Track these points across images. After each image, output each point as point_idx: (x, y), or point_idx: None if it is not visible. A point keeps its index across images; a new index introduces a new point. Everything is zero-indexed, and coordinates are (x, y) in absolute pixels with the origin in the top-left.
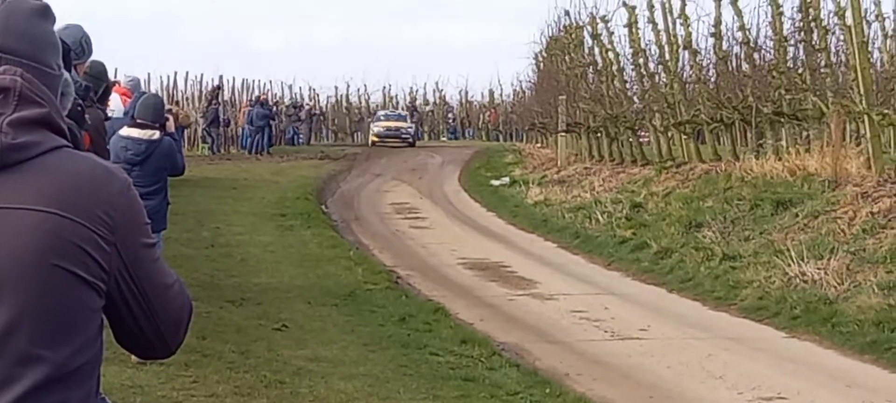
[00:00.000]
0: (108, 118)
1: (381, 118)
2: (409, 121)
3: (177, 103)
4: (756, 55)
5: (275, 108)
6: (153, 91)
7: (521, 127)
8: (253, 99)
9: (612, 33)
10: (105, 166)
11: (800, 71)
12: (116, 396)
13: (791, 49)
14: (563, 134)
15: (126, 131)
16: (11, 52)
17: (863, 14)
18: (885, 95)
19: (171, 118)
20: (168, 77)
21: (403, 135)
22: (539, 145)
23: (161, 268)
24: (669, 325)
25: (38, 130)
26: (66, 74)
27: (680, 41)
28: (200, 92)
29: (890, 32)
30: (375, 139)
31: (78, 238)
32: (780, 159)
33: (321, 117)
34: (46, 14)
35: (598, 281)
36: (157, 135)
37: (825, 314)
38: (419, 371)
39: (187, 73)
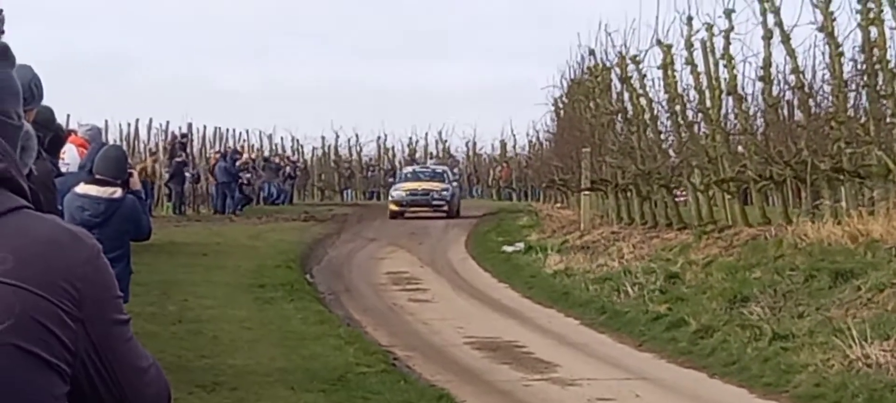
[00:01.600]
0: (59, 173)
1: (408, 177)
2: (445, 181)
3: (147, 155)
4: (811, 102)
5: (251, 162)
6: (112, 141)
7: (537, 184)
8: (225, 151)
9: (645, 76)
10: (70, 230)
11: (863, 121)
12: None
13: (852, 95)
14: (586, 192)
15: (83, 188)
16: None
17: None
18: None
19: (134, 173)
20: (128, 124)
21: (435, 201)
22: (559, 205)
23: (134, 349)
24: None
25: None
26: (28, 126)
27: (723, 85)
28: (166, 141)
29: None
30: (396, 208)
31: (39, 313)
32: (839, 223)
33: (303, 173)
34: (5, 55)
35: (627, 364)
36: (118, 192)
37: None
38: None
39: (150, 120)
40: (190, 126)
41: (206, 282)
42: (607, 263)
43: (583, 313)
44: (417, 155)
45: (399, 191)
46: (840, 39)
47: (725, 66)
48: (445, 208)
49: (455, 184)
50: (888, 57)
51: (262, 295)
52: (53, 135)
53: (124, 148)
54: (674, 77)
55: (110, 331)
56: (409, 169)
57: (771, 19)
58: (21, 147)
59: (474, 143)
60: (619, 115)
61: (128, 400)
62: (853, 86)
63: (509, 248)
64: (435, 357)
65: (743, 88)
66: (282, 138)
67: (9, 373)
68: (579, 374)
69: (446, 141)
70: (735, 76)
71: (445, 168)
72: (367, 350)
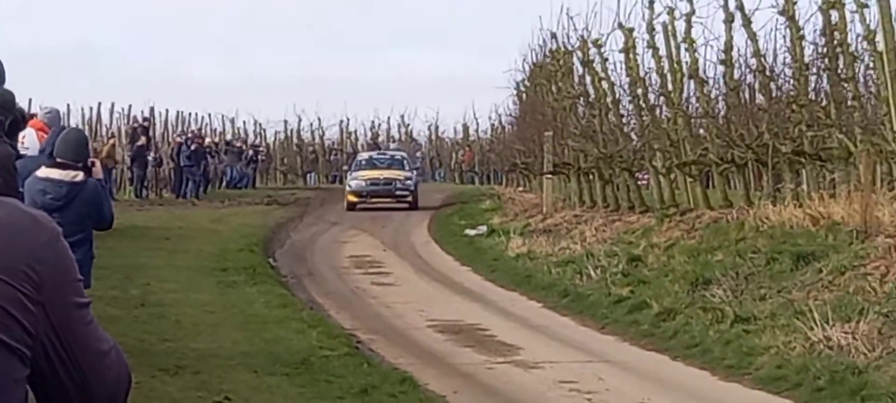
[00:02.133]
0: (19, 156)
1: (363, 164)
2: (407, 167)
3: (105, 139)
4: (772, 85)
5: (214, 146)
6: (75, 125)
7: (500, 168)
8: (188, 134)
9: (607, 60)
10: (30, 213)
11: (823, 104)
12: None
13: (813, 79)
14: (549, 176)
15: (44, 172)
16: None
17: None
18: None
19: (97, 163)
20: (90, 109)
21: (399, 191)
22: (521, 189)
23: (95, 333)
24: (673, 398)
25: None
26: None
27: (685, 69)
28: (128, 126)
29: None
30: (354, 198)
31: (2, 297)
32: (800, 206)
33: (266, 158)
34: None
35: (590, 346)
36: (80, 176)
37: (854, 385)
38: None
39: (112, 105)
40: (152, 110)
41: (169, 266)
42: (570, 246)
43: (545, 296)
44: (380, 139)
45: (357, 180)
46: (801, 23)
47: (687, 50)
48: (409, 198)
49: (416, 171)
50: (848, 40)
51: (224, 279)
52: (13, 119)
53: (86, 132)
54: (635, 60)
55: (70, 314)
56: (365, 155)
57: (732, 3)
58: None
59: (437, 127)
60: (581, 99)
61: (88, 383)
62: (814, 70)
63: (472, 232)
64: (398, 341)
65: (704, 72)
66: (244, 122)
67: None
68: (542, 357)
69: (408, 125)
70: (696, 59)
71: (405, 154)
72: (330, 333)
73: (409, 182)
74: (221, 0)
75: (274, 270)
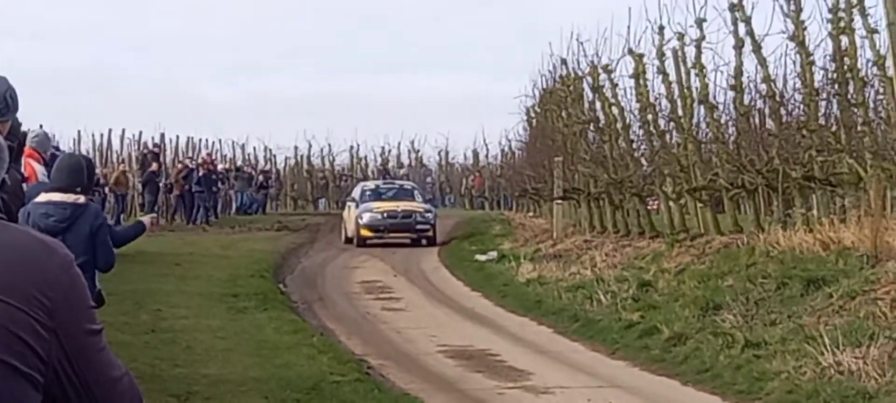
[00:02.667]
0: (24, 179)
1: (369, 195)
2: (418, 198)
3: (116, 166)
4: (783, 111)
5: (224, 172)
6: (84, 151)
7: (510, 193)
8: (199, 160)
9: (617, 85)
10: (42, 239)
11: (833, 129)
12: None
13: (823, 104)
14: (559, 201)
15: (45, 197)
16: None
17: None
18: None
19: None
20: (101, 135)
21: (419, 225)
22: (531, 214)
23: (108, 359)
24: None
25: None
26: (0, 139)
27: (695, 94)
28: (139, 152)
29: None
30: (368, 233)
31: (11, 323)
32: (810, 231)
33: (276, 183)
34: None
35: (600, 371)
36: (82, 198)
37: None
38: None
39: (123, 131)
40: (162, 136)
41: (180, 292)
42: (580, 271)
43: (556, 321)
44: (390, 164)
45: (372, 212)
46: (811, 48)
47: (697, 75)
48: (430, 232)
49: (430, 201)
50: (858, 65)
51: (235, 305)
52: (19, 144)
53: (94, 158)
54: (646, 86)
55: (83, 341)
56: (371, 184)
57: (742, 28)
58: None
59: (447, 152)
60: (591, 124)
61: None
62: (824, 95)
63: (482, 257)
64: (408, 366)
65: (714, 97)
66: (255, 148)
67: None
68: (553, 382)
69: (418, 150)
70: (707, 85)
71: (414, 184)
72: (341, 359)
73: (429, 214)
74: (233, 24)
75: (284, 296)
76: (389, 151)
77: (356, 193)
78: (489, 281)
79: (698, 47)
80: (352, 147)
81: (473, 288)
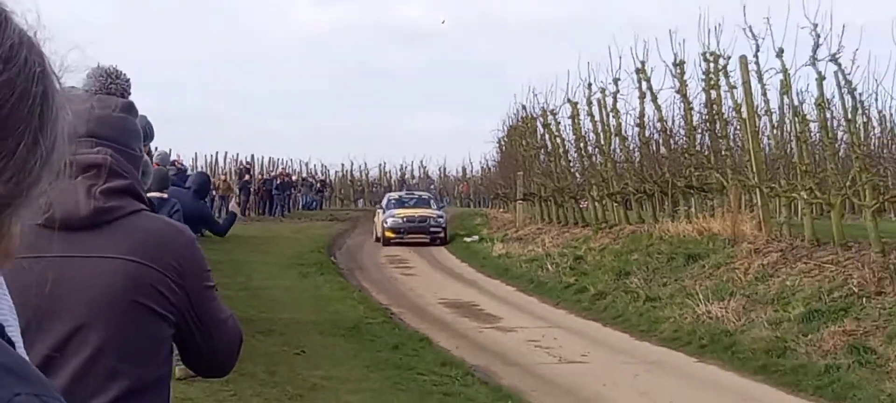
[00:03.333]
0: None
1: (393, 203)
2: (433, 206)
3: (221, 177)
4: (671, 141)
5: (294, 181)
6: (199, 167)
7: (487, 196)
8: (277, 173)
9: (559, 123)
10: (175, 226)
11: (706, 154)
12: None
13: (699, 136)
14: (520, 201)
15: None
16: (104, 138)
17: (755, 109)
18: (772, 173)
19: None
20: (210, 156)
21: (432, 229)
22: (502, 210)
23: (219, 306)
24: (604, 352)
25: (123, 197)
26: (145, 157)
27: (612, 129)
28: (237, 167)
29: (775, 123)
30: (391, 234)
31: (153, 281)
32: (690, 222)
33: (329, 188)
34: (131, 109)
35: (548, 317)
36: (165, 195)
37: (726, 343)
38: (409, 387)
39: (226, 153)
40: (252, 157)
41: (263, 263)
42: (534, 249)
43: (518, 283)
44: (406, 177)
45: (394, 218)
46: (691, 98)
47: (613, 117)
48: (441, 234)
49: (442, 208)
50: (723, 110)
51: (301, 271)
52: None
53: (208, 172)
54: (579, 124)
55: (202, 294)
56: (395, 195)
57: (644, 85)
58: (141, 171)
59: (445, 168)
60: (542, 150)
61: (213, 341)
62: (699, 130)
63: (468, 239)
64: (418, 313)
65: (625, 131)
66: (314, 165)
67: (134, 320)
68: (516, 324)
69: (425, 166)
70: (620, 123)
71: (430, 194)
72: (373, 307)
73: (441, 219)
74: (301, 81)
75: (334, 265)
76: (405, 167)
77: (384, 202)
78: (473, 256)
79: (614, 97)
80: (380, 164)
81: (462, 260)
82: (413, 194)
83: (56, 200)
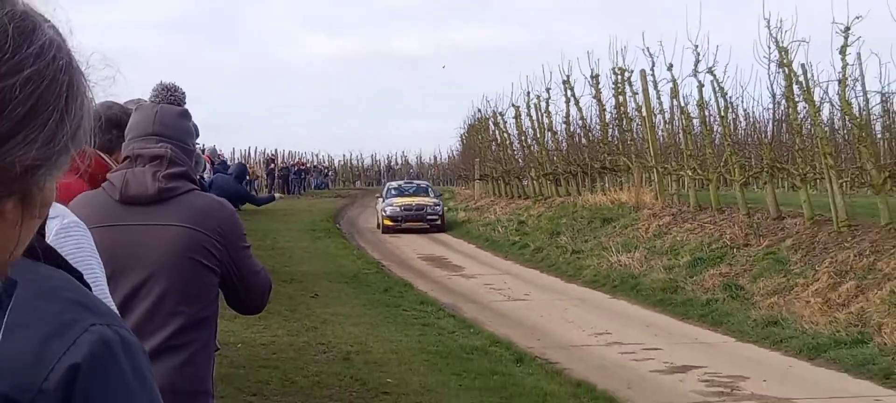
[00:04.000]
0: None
1: (393, 192)
2: (431, 194)
3: (253, 166)
4: (590, 134)
5: (308, 168)
6: (237, 159)
7: (453, 177)
8: (295, 162)
9: (506, 122)
10: (219, 201)
11: (616, 143)
12: (220, 338)
13: (610, 130)
14: (477, 181)
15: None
16: (166, 136)
17: (651, 109)
18: (665, 157)
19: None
20: (244, 151)
21: (429, 217)
22: (463, 188)
23: (253, 261)
24: (542, 292)
25: (180, 180)
26: (198, 151)
27: (545, 126)
28: (264, 158)
29: (667, 120)
30: (390, 223)
31: (203, 242)
32: (605, 194)
33: (334, 174)
34: (186, 115)
35: (499, 266)
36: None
37: (632, 284)
38: (396, 320)
39: (256, 149)
40: (275, 151)
41: (286, 229)
42: (489, 216)
43: (477, 241)
44: (392, 163)
45: (393, 207)
46: (604, 102)
47: (546, 117)
48: (438, 221)
49: (439, 196)
50: (629, 111)
51: (314, 235)
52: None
53: (243, 162)
54: (520, 122)
55: (240, 252)
56: (394, 184)
57: (569, 93)
58: (195, 162)
59: (420, 158)
60: (493, 142)
61: (249, 287)
62: (611, 125)
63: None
64: (402, 265)
65: (555, 127)
66: (323, 156)
67: (189, 271)
68: (475, 272)
69: (406, 157)
70: (551, 121)
71: (428, 183)
72: (368, 261)
73: (437, 207)
74: (313, 95)
75: (339, 231)
76: (392, 157)
77: (384, 190)
78: None
79: (547, 102)
80: (372, 155)
81: None
82: (412, 183)
83: (131, 182)
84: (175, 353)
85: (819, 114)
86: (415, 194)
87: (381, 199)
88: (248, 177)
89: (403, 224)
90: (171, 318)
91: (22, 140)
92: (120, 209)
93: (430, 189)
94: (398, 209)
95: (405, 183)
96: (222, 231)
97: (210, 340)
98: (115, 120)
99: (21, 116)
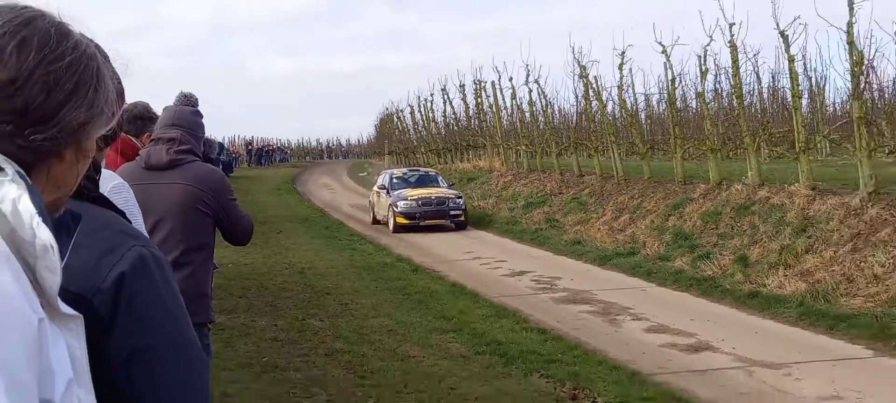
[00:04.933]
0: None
1: (398, 182)
2: (445, 184)
3: (234, 147)
4: (459, 123)
5: (273, 148)
6: (226, 145)
7: (369, 153)
8: (265, 144)
9: (404, 117)
10: (213, 169)
11: (476, 129)
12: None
13: (473, 121)
14: (387, 155)
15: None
16: (180, 125)
17: (499, 107)
18: (508, 137)
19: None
20: (231, 137)
21: (452, 213)
22: (377, 159)
23: (238, 210)
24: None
25: (186, 154)
26: (208, 137)
27: (430, 119)
28: (242, 141)
29: (511, 115)
30: (404, 220)
31: (201, 195)
32: (470, 163)
33: (291, 151)
34: (197, 113)
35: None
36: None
37: (488, 220)
38: (334, 247)
39: (238, 135)
40: (253, 138)
41: (259, 188)
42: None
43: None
44: (331, 144)
45: (406, 200)
46: (469, 104)
47: (430, 112)
48: (462, 217)
49: (453, 185)
50: (484, 109)
51: (278, 192)
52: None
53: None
54: (414, 116)
55: (228, 203)
56: (397, 171)
57: (446, 96)
58: (210, 146)
59: (348, 140)
60: (397, 130)
61: (236, 226)
62: (473, 118)
63: (362, 174)
64: (338, 211)
65: (437, 120)
66: (284, 140)
67: (191, 216)
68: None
69: (339, 139)
70: (433, 115)
71: (433, 170)
72: (314, 208)
73: (460, 200)
74: (277, 99)
75: (295, 189)
76: (330, 140)
77: (383, 180)
78: (363, 181)
79: (431, 103)
80: (317, 139)
81: (357, 183)
82: (417, 170)
83: (152, 155)
84: (182, 268)
85: (605, 109)
86: (426, 185)
87: (382, 192)
88: (227, 151)
89: (422, 221)
90: (178, 244)
91: (73, 105)
92: (146, 173)
93: (439, 177)
94: (415, 203)
95: (409, 171)
96: (213, 189)
97: (207, 260)
98: (138, 114)
99: (69, 90)
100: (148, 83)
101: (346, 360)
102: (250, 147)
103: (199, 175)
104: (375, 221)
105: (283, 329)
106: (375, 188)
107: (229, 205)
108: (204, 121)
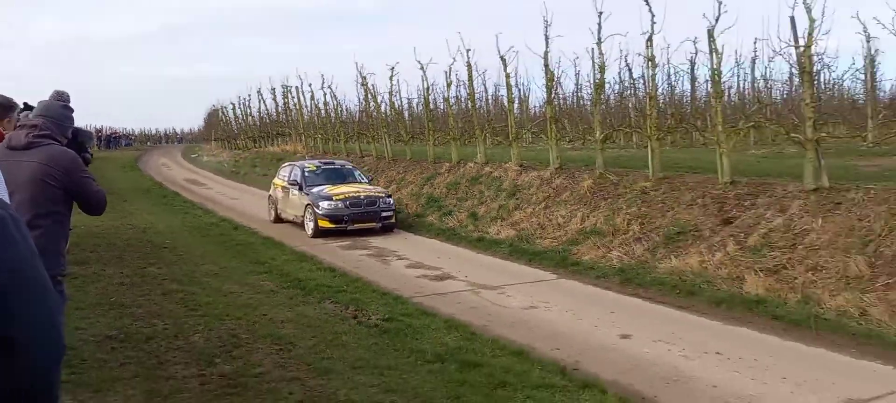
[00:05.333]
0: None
1: (312, 177)
2: (365, 178)
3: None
4: (270, 117)
5: (122, 136)
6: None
7: (200, 140)
8: (111, 133)
9: (227, 111)
10: (64, 150)
11: (284, 121)
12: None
13: (282, 116)
14: (214, 141)
15: None
16: (46, 116)
17: (302, 106)
18: (310, 128)
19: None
20: (85, 126)
21: (384, 213)
22: (205, 144)
23: (91, 185)
24: (244, 194)
25: (43, 139)
26: (78, 128)
27: (248, 113)
28: (95, 130)
29: (310, 110)
30: (328, 225)
31: (52, 171)
32: (280, 147)
33: (135, 138)
34: (66, 107)
35: (224, 183)
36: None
37: (439, 219)
38: (171, 211)
39: (90, 124)
40: (102, 127)
41: (109, 167)
42: (221, 159)
43: (214, 171)
44: (168, 132)
45: (331, 200)
46: (278, 102)
47: (249, 109)
48: (393, 220)
49: (372, 179)
50: (290, 108)
51: (124, 170)
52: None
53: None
54: (235, 112)
55: (81, 180)
56: (309, 164)
57: (260, 96)
58: (69, 131)
59: (183, 130)
60: (222, 121)
61: (91, 201)
62: (282, 114)
63: (193, 155)
64: (175, 184)
65: (254, 115)
66: (129, 128)
67: (42, 188)
68: (212, 186)
69: (175, 129)
70: (250, 111)
71: (349, 163)
72: (154, 182)
73: (390, 200)
74: (126, 97)
75: (139, 168)
76: (168, 130)
77: (294, 175)
78: (195, 161)
79: (249, 101)
80: (156, 129)
81: (190, 162)
82: (332, 162)
83: (13, 138)
84: (33, 229)
85: (380, 108)
86: (346, 181)
87: (295, 189)
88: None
89: (350, 225)
90: (29, 209)
91: None
92: (8, 152)
93: (356, 171)
94: (341, 204)
95: (323, 163)
96: (64, 167)
97: (57, 225)
98: (4, 104)
99: None
100: (25, 84)
101: (180, 297)
102: (100, 133)
103: (51, 155)
104: (279, 220)
105: (128, 275)
106: (281, 182)
107: (82, 182)
108: (74, 114)
